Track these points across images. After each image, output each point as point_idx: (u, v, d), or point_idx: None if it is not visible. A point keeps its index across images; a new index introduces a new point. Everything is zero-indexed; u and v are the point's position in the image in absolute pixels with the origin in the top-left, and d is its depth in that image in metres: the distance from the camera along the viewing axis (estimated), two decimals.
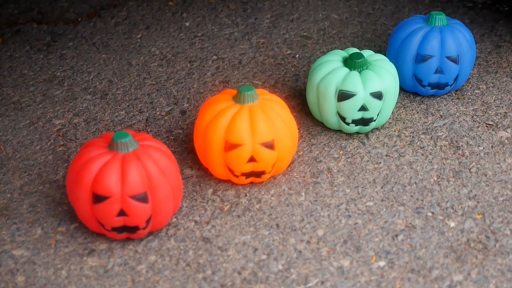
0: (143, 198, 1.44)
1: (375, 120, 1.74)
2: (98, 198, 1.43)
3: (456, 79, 1.86)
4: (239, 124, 1.56)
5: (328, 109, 1.73)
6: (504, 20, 2.20)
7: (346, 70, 1.72)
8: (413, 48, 1.84)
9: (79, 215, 1.49)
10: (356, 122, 1.72)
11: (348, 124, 1.73)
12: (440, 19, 1.84)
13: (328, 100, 1.71)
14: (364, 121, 1.73)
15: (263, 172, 1.61)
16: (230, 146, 1.57)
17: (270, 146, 1.57)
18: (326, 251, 1.51)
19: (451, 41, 1.81)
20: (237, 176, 1.61)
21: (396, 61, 1.87)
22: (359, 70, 1.72)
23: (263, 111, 1.58)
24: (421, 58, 1.83)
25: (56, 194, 1.65)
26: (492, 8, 2.25)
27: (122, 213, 1.44)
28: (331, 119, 1.75)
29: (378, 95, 1.69)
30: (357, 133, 1.79)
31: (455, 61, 1.83)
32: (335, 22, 2.21)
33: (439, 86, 1.86)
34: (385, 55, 2.00)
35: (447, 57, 1.82)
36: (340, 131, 1.80)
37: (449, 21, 1.86)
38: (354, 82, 1.69)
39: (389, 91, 1.71)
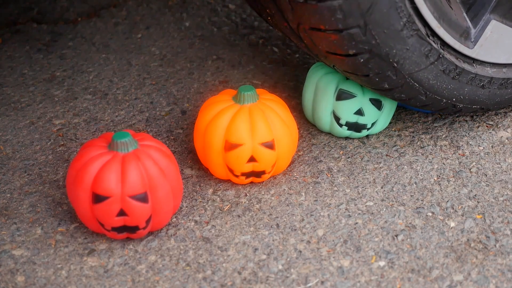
0: (143, 198, 1.44)
1: (368, 129, 1.73)
2: (98, 198, 1.43)
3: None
4: (239, 124, 1.56)
5: (324, 107, 1.72)
6: None
7: None
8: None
9: (79, 215, 1.49)
10: (349, 125, 1.72)
11: (341, 125, 1.72)
12: None
13: (326, 98, 1.70)
14: (357, 127, 1.72)
15: (263, 172, 1.61)
16: (230, 146, 1.56)
17: (270, 146, 1.57)
18: (326, 251, 1.51)
19: None
20: (237, 176, 1.61)
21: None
22: None
23: (263, 111, 1.58)
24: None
25: (56, 194, 1.65)
26: None
27: (122, 213, 1.44)
28: (324, 119, 1.73)
29: (377, 103, 1.69)
30: (347, 138, 1.78)
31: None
32: None
33: None
34: None
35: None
36: None
37: None
38: (356, 84, 1.68)
39: (388, 102, 1.71)
